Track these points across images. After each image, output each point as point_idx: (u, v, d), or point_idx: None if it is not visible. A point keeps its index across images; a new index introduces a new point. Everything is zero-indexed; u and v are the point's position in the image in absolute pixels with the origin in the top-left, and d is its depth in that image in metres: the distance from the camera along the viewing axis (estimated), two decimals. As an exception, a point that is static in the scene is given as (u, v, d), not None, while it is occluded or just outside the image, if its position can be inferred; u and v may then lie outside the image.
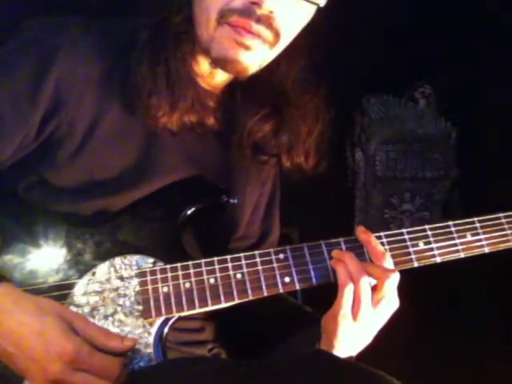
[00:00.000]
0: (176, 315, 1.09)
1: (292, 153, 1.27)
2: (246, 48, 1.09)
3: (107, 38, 1.16)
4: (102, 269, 1.10)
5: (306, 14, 1.14)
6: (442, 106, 2.68)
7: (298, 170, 1.28)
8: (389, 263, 1.10)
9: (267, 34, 1.09)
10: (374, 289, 1.08)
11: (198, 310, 1.09)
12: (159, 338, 1.08)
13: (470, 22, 2.37)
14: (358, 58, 2.36)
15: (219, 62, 1.13)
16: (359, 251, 1.13)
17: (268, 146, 1.29)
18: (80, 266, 1.09)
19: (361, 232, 1.14)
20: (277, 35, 1.11)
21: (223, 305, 1.10)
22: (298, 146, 1.26)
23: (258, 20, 1.07)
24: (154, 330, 1.08)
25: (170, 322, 1.10)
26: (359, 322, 1.07)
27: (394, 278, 1.07)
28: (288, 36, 1.14)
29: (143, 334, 1.08)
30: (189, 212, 1.15)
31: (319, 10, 1.15)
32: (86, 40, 1.14)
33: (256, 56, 1.12)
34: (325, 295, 1.12)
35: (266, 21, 1.07)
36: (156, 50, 1.13)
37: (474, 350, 2.29)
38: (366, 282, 1.07)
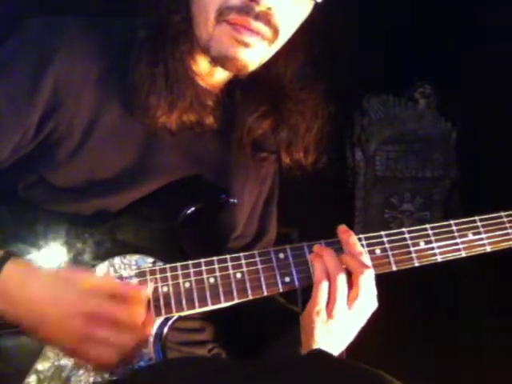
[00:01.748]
0: (176, 315, 1.09)
1: (291, 149, 1.26)
2: (246, 45, 1.09)
3: (106, 38, 1.16)
4: (102, 268, 1.10)
5: (304, 9, 1.15)
6: (442, 106, 2.68)
7: (297, 166, 1.28)
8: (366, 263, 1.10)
9: (266, 30, 1.09)
10: (350, 287, 1.08)
11: (197, 310, 1.09)
12: (159, 337, 1.08)
13: (470, 22, 2.37)
14: (358, 58, 2.35)
15: (219, 61, 1.13)
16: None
17: (267, 143, 1.29)
18: (80, 265, 1.09)
19: (341, 232, 1.14)
20: (276, 32, 1.11)
21: (223, 304, 1.10)
22: (297, 141, 1.26)
23: (257, 17, 1.07)
24: (153, 329, 1.08)
25: (170, 322, 1.09)
26: (335, 320, 1.08)
27: (369, 274, 1.08)
28: (287, 32, 1.14)
29: (143, 333, 1.07)
30: (188, 212, 1.15)
31: (317, 6, 1.15)
32: (84, 40, 1.14)
33: (255, 53, 1.12)
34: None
35: (265, 17, 1.08)
36: (154, 49, 1.13)
37: (473, 350, 2.29)
38: (343, 280, 1.08)
